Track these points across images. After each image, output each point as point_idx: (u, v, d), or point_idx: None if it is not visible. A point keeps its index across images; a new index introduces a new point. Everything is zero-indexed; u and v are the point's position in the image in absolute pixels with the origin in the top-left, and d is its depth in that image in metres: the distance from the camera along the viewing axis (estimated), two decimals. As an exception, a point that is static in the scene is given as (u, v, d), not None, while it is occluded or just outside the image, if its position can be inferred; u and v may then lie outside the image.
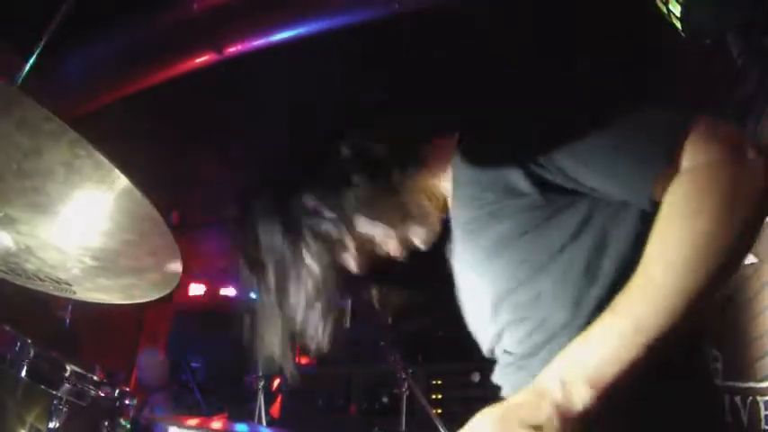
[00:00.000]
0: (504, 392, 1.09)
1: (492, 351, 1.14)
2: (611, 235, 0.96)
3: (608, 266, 0.95)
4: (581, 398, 0.79)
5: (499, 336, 1.09)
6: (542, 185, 0.97)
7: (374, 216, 1.11)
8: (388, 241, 1.15)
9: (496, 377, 1.12)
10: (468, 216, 1.07)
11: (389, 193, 1.11)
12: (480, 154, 1.05)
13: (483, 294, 1.09)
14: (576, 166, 0.94)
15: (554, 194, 0.98)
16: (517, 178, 0.98)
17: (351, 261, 1.15)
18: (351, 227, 1.10)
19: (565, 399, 0.79)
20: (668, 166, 0.87)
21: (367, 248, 1.15)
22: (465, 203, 1.08)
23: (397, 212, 1.13)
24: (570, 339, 0.86)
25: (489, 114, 1.08)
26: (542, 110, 1.00)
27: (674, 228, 0.83)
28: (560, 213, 0.98)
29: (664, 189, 0.87)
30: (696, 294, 0.79)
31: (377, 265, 1.18)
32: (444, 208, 1.18)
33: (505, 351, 1.08)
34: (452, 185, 1.11)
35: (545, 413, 0.79)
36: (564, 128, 0.95)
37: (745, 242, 0.84)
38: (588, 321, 0.87)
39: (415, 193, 1.14)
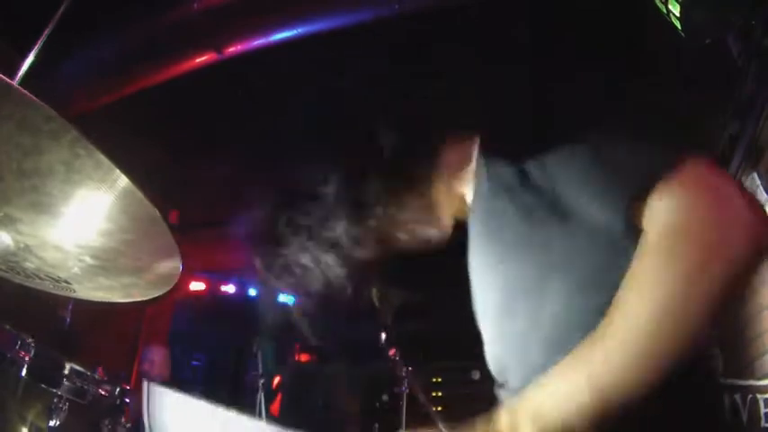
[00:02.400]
0: None
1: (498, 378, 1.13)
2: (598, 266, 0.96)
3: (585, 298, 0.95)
4: None
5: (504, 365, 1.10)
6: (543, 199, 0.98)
7: (394, 206, 1.16)
8: (404, 231, 1.20)
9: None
10: (487, 213, 1.09)
11: (410, 186, 1.16)
12: (501, 155, 1.06)
13: (491, 295, 1.10)
14: (570, 182, 0.94)
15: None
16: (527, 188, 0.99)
17: (369, 244, 1.17)
18: (374, 212, 1.15)
19: None
20: (643, 194, 0.86)
21: (385, 236, 1.19)
22: (486, 200, 1.09)
23: (415, 206, 1.17)
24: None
25: (506, 118, 1.10)
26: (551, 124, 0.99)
27: (641, 290, 0.83)
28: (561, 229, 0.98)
29: (639, 216, 0.87)
30: (654, 359, 0.80)
31: (390, 253, 1.22)
32: (460, 209, 1.20)
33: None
34: (475, 182, 1.12)
35: None
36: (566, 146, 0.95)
37: (710, 313, 0.82)
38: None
39: (433, 190, 1.18)
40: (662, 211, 0.85)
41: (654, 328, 0.80)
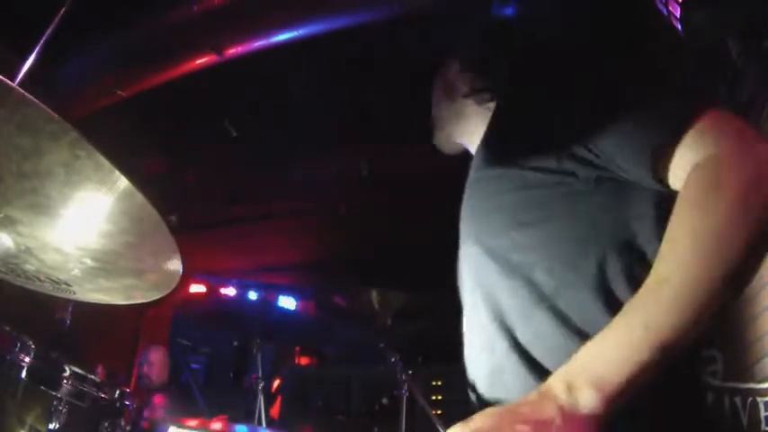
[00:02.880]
0: None
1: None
2: (631, 227, 0.95)
3: (618, 258, 0.94)
4: (586, 400, 0.77)
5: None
6: (567, 161, 0.98)
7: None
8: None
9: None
10: (480, 174, 1.11)
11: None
12: (518, 120, 1.09)
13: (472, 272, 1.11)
14: (597, 138, 0.94)
15: (575, 171, 0.98)
16: (545, 150, 1.00)
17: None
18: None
19: (569, 401, 0.77)
20: (671, 141, 0.86)
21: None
22: (484, 162, 1.12)
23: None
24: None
25: (522, 91, 1.12)
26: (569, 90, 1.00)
27: (686, 226, 0.81)
28: (575, 195, 0.98)
29: (666, 167, 0.87)
30: (709, 296, 0.77)
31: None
32: (456, 146, 1.38)
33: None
34: (480, 143, 1.19)
35: (548, 413, 0.77)
36: (590, 107, 0.96)
37: (761, 244, 0.79)
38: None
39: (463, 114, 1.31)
40: (694, 154, 0.84)
41: (706, 267, 0.77)
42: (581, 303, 0.93)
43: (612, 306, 0.90)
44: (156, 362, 4.51)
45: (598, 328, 0.84)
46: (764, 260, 0.80)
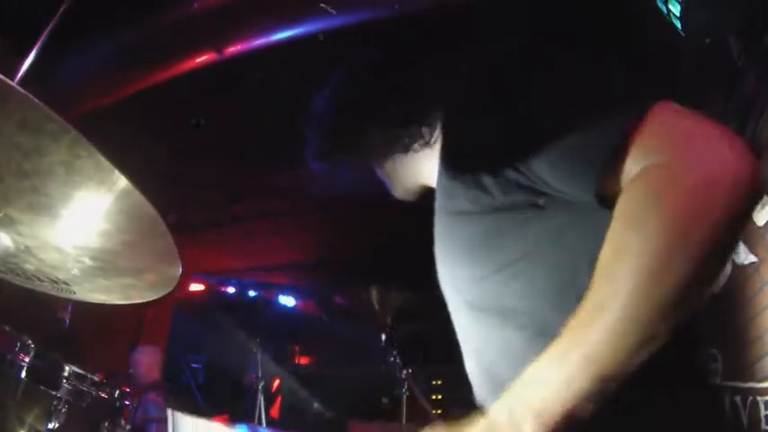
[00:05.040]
0: None
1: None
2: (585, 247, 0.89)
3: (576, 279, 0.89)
4: (528, 431, 0.76)
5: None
6: (510, 188, 0.93)
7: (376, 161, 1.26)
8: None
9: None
10: (445, 207, 1.07)
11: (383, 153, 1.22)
12: (457, 151, 1.05)
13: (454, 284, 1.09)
14: (540, 164, 0.88)
15: (521, 198, 0.93)
16: (486, 178, 0.95)
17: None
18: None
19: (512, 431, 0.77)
20: (611, 159, 0.79)
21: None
22: (443, 194, 1.09)
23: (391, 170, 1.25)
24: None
25: (466, 112, 1.07)
26: (514, 109, 0.94)
27: (623, 250, 0.75)
28: (528, 220, 0.95)
29: (614, 186, 0.81)
30: (648, 325, 0.73)
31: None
32: (418, 191, 1.28)
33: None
34: (438, 174, 1.12)
35: None
36: (532, 130, 0.90)
37: (704, 268, 0.73)
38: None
39: (402, 166, 1.22)
40: (635, 169, 0.78)
41: (646, 292, 0.72)
42: None
43: None
44: (141, 361, 4.42)
45: None
46: (714, 282, 0.75)
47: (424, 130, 1.14)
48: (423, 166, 1.20)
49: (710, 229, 0.72)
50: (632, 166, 0.79)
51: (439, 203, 1.10)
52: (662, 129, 0.79)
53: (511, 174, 0.91)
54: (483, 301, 1.01)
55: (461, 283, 1.06)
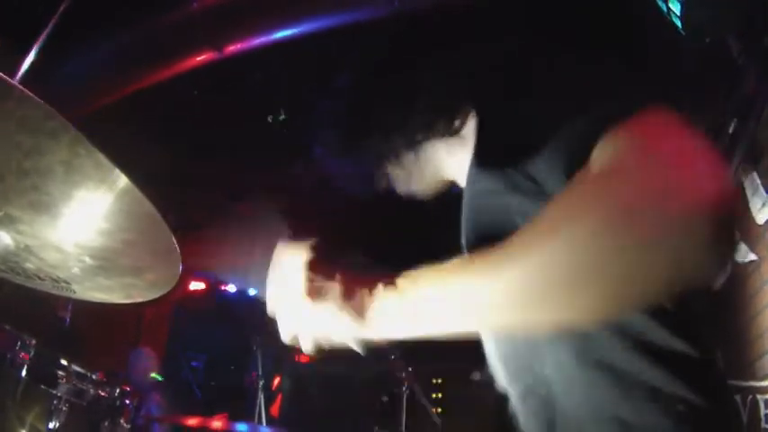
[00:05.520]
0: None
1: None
2: None
3: None
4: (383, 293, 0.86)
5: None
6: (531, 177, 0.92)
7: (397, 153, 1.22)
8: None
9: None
10: (474, 190, 1.08)
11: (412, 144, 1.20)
12: (489, 145, 1.06)
13: None
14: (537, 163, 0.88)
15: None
16: (514, 174, 0.94)
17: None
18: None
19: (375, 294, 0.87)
20: (584, 156, 0.76)
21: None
22: (471, 179, 1.09)
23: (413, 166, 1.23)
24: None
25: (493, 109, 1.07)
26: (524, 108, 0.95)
27: (551, 223, 0.73)
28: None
29: None
30: (538, 307, 0.74)
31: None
32: (439, 185, 1.27)
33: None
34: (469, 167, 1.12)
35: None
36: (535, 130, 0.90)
37: (626, 269, 0.68)
38: None
39: (428, 159, 1.22)
40: (599, 155, 0.75)
41: (551, 271, 0.70)
42: (595, 338, 0.89)
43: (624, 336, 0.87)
44: (135, 364, 4.39)
45: (614, 362, 0.84)
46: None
47: (454, 119, 1.15)
48: (447, 157, 1.21)
49: (650, 228, 0.66)
50: (597, 159, 0.75)
51: (467, 188, 1.11)
52: (634, 129, 0.75)
53: (528, 167, 0.91)
54: None
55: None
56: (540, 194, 0.90)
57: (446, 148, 1.19)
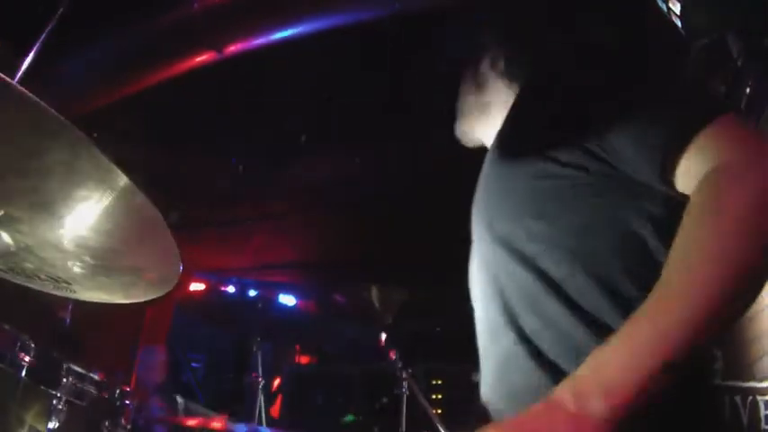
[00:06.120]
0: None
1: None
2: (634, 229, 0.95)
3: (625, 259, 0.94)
4: (595, 408, 0.75)
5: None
6: (574, 154, 0.99)
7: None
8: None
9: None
10: (495, 164, 1.13)
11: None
12: (537, 108, 1.12)
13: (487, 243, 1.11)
14: (619, 138, 0.95)
15: (579, 163, 0.99)
16: (557, 140, 1.01)
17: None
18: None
19: (578, 410, 0.75)
20: (681, 144, 0.86)
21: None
22: (499, 151, 1.14)
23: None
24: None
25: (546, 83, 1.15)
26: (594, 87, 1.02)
27: (699, 234, 0.81)
28: (576, 186, 0.99)
29: (674, 169, 0.87)
30: (720, 308, 0.76)
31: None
32: (476, 141, 1.36)
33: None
34: (497, 134, 1.20)
35: (557, 424, 0.76)
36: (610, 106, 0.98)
37: (763, 269, 0.79)
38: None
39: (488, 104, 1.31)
40: (702, 161, 0.84)
41: (716, 276, 0.77)
42: (589, 295, 0.93)
43: (617, 301, 0.91)
44: (153, 363, 4.46)
45: (605, 321, 0.87)
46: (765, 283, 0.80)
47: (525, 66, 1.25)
48: (495, 121, 1.26)
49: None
50: (696, 158, 0.85)
51: (493, 155, 1.16)
52: (730, 131, 0.87)
53: (587, 144, 0.97)
54: (511, 238, 1.04)
55: (498, 222, 1.09)
56: (600, 176, 0.96)
57: (505, 98, 1.26)
